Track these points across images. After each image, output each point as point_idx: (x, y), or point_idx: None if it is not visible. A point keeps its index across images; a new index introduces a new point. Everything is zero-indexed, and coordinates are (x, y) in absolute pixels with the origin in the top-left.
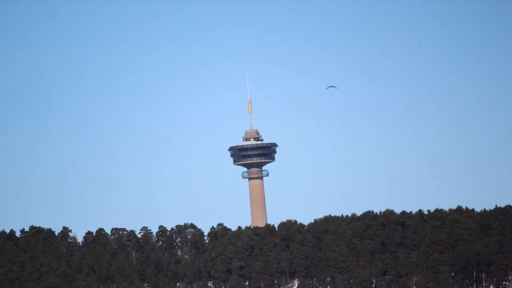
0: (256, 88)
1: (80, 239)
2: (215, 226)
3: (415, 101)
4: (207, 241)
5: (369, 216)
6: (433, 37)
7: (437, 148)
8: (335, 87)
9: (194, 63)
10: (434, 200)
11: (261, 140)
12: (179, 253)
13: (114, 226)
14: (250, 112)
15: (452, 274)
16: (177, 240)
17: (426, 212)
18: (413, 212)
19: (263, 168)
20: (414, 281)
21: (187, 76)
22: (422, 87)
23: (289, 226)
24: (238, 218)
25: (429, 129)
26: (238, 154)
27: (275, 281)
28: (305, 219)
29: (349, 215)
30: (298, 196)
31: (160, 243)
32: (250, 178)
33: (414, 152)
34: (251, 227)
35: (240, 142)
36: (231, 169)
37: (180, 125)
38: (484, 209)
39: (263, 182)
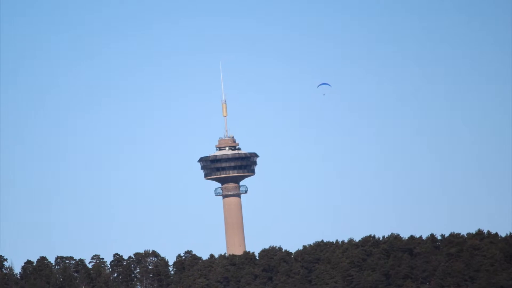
0: (232, 85)
1: (17, 269)
2: (182, 254)
3: (426, 105)
4: (172, 272)
5: (369, 242)
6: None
7: (452, 160)
8: (328, 84)
9: (153, 57)
10: (449, 222)
11: (238, 149)
12: (139, 287)
13: (59, 254)
14: (224, 115)
15: None
16: (135, 271)
17: (439, 237)
18: (424, 237)
19: (241, 183)
20: None
21: (146, 72)
22: (433, 92)
23: (272, 254)
24: (210, 245)
25: (442, 137)
26: (210, 166)
27: None
28: (292, 246)
29: (346, 241)
30: (283, 217)
31: (115, 275)
32: (224, 196)
33: (424, 165)
34: (226, 255)
35: (212, 152)
36: (202, 185)
37: (138, 131)
38: (510, 233)
39: (240, 200)
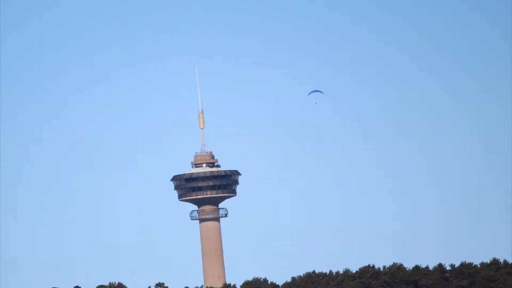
0: (211, 93)
1: None
2: (152, 287)
3: (434, 120)
4: None
5: (368, 273)
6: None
7: (462, 180)
8: (320, 92)
9: (120, 60)
10: (459, 251)
11: (217, 166)
12: None
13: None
14: (201, 127)
15: None
16: None
17: (448, 268)
18: (430, 267)
19: (220, 205)
20: None
21: (111, 79)
22: (442, 108)
23: (256, 287)
24: (185, 276)
25: (451, 155)
26: (185, 185)
27: None
28: (279, 277)
29: (340, 272)
30: (268, 244)
31: None
32: (201, 220)
33: (430, 184)
34: (204, 287)
35: (187, 169)
36: (175, 207)
37: (102, 146)
38: None
39: (219, 225)
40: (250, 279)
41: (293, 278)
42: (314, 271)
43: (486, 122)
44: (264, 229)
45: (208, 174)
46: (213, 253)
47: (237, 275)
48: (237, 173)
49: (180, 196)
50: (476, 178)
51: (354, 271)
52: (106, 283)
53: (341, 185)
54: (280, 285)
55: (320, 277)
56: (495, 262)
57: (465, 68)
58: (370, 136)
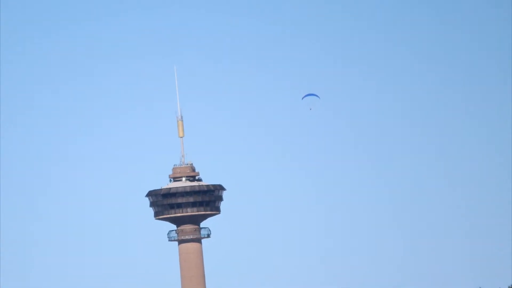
0: (191, 97)
1: None
2: None
3: (443, 135)
4: None
5: None
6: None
7: (479, 191)
8: (316, 96)
9: (89, 60)
10: (478, 277)
11: (199, 180)
12: None
13: None
14: (181, 135)
15: None
16: None
17: None
18: None
19: (202, 224)
20: None
21: (77, 80)
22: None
23: None
24: None
25: (464, 171)
26: (162, 202)
27: None
28: None
29: None
30: (255, 268)
31: None
32: (181, 241)
33: (442, 199)
34: None
35: (165, 184)
36: (151, 226)
37: (68, 156)
38: None
39: (201, 246)
40: None
41: None
42: None
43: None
44: (251, 251)
45: (188, 189)
46: (194, 278)
47: None
48: (221, 188)
49: (156, 214)
50: (496, 191)
51: None
52: None
53: (339, 203)
54: None
55: None
56: None
57: (465, 68)
58: (370, 146)
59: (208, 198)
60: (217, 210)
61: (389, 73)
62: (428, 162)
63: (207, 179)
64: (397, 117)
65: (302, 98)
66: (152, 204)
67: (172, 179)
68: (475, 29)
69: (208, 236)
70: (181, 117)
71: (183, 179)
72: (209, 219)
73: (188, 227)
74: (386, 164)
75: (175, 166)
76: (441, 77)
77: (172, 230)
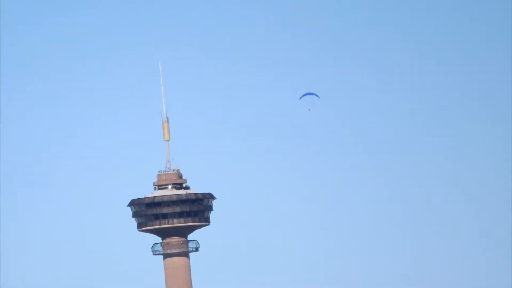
0: (178, 96)
1: None
2: None
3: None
4: None
5: None
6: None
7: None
8: (315, 95)
9: (65, 54)
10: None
11: (186, 188)
12: None
13: None
14: (166, 139)
15: None
16: None
17: None
18: None
19: (190, 237)
20: None
21: (51, 78)
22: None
23: None
24: None
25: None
26: (146, 212)
27: None
28: None
29: None
30: (249, 284)
31: None
32: (167, 255)
33: (442, 197)
34: None
35: (149, 192)
36: (134, 238)
37: (44, 161)
38: None
39: (189, 261)
40: None
41: None
42: None
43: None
44: (243, 266)
45: (174, 198)
46: None
47: None
48: (211, 196)
49: (139, 226)
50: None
51: None
52: None
53: (339, 215)
54: None
55: None
56: None
57: (467, 68)
58: (372, 151)
59: (197, 208)
60: (207, 221)
61: (389, 73)
62: (428, 163)
63: (196, 187)
64: (397, 119)
65: (300, 98)
66: (134, 215)
67: (156, 187)
68: (476, 29)
69: (197, 249)
70: (167, 118)
71: (169, 186)
72: (197, 231)
73: (174, 239)
74: (398, 179)
75: (160, 173)
76: (441, 77)
77: (157, 243)
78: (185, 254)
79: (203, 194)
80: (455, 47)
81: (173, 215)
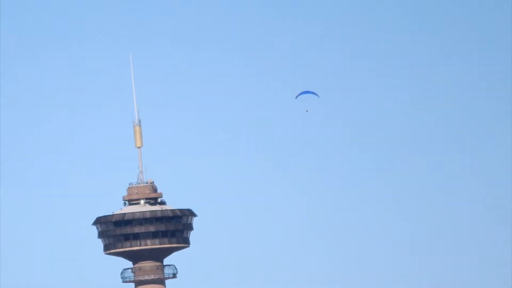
0: (152, 96)
1: None
2: None
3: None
4: None
5: None
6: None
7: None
8: (314, 94)
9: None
10: None
11: (162, 203)
12: None
13: None
14: (138, 145)
15: None
16: None
17: None
18: None
19: (166, 261)
20: None
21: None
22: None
23: None
24: None
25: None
26: (114, 232)
27: None
28: None
29: None
30: None
31: None
32: (139, 282)
33: (444, 199)
34: None
35: (118, 208)
36: (100, 263)
37: None
38: None
39: None
40: None
41: None
42: None
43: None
44: None
45: (148, 215)
46: None
47: None
48: (190, 213)
49: (107, 248)
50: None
51: None
52: None
53: (333, 232)
54: None
55: None
56: None
57: (469, 67)
58: (371, 156)
59: (174, 227)
60: (186, 242)
61: (389, 73)
62: (428, 164)
63: (173, 202)
64: (397, 120)
65: (296, 97)
66: (101, 235)
67: (126, 202)
68: (476, 29)
69: (174, 275)
70: (139, 121)
71: (142, 201)
72: (175, 253)
73: (148, 264)
74: (400, 192)
75: (131, 186)
76: (444, 77)
77: (128, 268)
78: (161, 281)
79: (181, 210)
80: (456, 46)
81: (146, 236)
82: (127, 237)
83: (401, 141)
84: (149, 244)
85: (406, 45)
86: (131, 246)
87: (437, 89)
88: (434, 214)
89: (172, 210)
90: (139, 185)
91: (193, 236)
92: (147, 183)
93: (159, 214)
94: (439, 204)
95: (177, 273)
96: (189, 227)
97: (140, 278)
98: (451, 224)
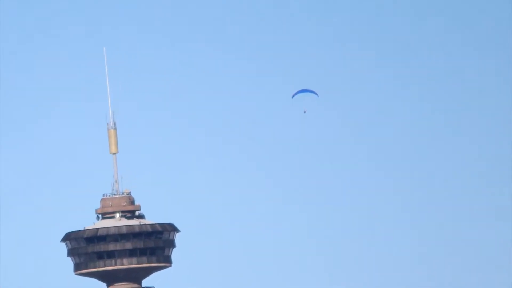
0: (129, 94)
1: None
2: None
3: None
4: None
5: None
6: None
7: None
8: (313, 92)
9: None
10: None
11: (140, 217)
12: None
13: None
14: (113, 151)
15: None
16: None
17: None
18: None
19: (145, 282)
20: None
21: None
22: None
23: None
24: None
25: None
26: (86, 249)
27: None
28: None
29: None
30: None
31: None
32: None
33: (445, 200)
34: None
35: (90, 222)
36: (70, 284)
37: None
38: None
39: None
40: None
41: None
42: None
43: None
44: None
45: (124, 231)
46: None
47: None
48: (172, 228)
49: (77, 267)
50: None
51: None
52: None
53: (324, 250)
54: None
55: None
56: None
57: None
58: (371, 157)
59: (154, 244)
60: (167, 261)
61: (388, 73)
62: (429, 165)
63: (152, 216)
64: (398, 121)
65: (293, 96)
66: (71, 253)
67: (100, 215)
68: (476, 29)
69: None
70: (114, 124)
71: (117, 215)
72: (155, 274)
73: (124, 286)
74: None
75: (104, 197)
76: (446, 78)
77: None
78: None
79: (162, 225)
80: (459, 45)
81: (123, 254)
82: (101, 256)
83: (403, 143)
84: (126, 264)
85: (406, 44)
86: (105, 266)
87: (442, 88)
88: (441, 220)
89: (151, 225)
90: (114, 196)
91: (175, 254)
92: (123, 194)
93: (136, 230)
94: (446, 211)
95: None
96: (171, 244)
97: None
98: (454, 227)
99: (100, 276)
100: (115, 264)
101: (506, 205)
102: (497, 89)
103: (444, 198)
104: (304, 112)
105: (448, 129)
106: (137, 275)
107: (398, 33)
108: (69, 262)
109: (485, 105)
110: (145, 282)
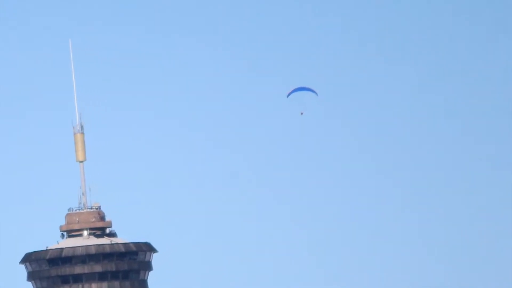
0: (98, 93)
1: None
2: None
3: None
4: None
5: None
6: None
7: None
8: (312, 91)
9: None
10: None
11: (111, 234)
12: None
13: None
14: (80, 159)
15: None
16: None
17: None
18: None
19: None
20: None
21: None
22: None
23: None
24: None
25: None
26: (48, 273)
27: None
28: None
29: None
30: None
31: None
32: None
33: (446, 201)
34: None
35: (53, 242)
36: None
37: None
38: None
39: None
40: None
41: None
42: None
43: None
44: None
45: (93, 251)
46: None
47: None
48: (148, 248)
49: None
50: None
51: None
52: None
53: (320, 267)
54: None
55: None
56: None
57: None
58: (371, 159)
59: (128, 266)
60: (143, 285)
61: (389, 73)
62: (430, 165)
63: (126, 234)
64: (398, 122)
65: (288, 95)
66: (31, 276)
67: (65, 233)
68: (476, 28)
69: None
70: (81, 127)
71: (85, 233)
72: None
73: None
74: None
75: (70, 212)
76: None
77: None
78: None
79: (137, 244)
80: (461, 45)
81: (91, 277)
82: (66, 280)
83: (403, 143)
84: None
85: (406, 44)
86: None
87: (442, 88)
88: (441, 220)
89: (124, 244)
90: (81, 211)
91: (152, 277)
92: (91, 208)
93: (107, 250)
94: (446, 211)
95: None
96: (147, 266)
97: None
98: (454, 227)
99: None
100: None
101: (506, 205)
102: (498, 89)
103: (444, 198)
104: (302, 113)
105: (448, 129)
106: None
107: (398, 33)
108: (29, 287)
109: (485, 105)
110: None
